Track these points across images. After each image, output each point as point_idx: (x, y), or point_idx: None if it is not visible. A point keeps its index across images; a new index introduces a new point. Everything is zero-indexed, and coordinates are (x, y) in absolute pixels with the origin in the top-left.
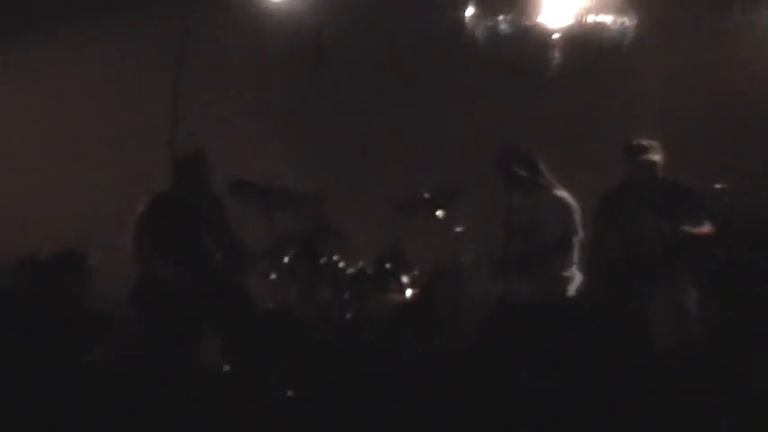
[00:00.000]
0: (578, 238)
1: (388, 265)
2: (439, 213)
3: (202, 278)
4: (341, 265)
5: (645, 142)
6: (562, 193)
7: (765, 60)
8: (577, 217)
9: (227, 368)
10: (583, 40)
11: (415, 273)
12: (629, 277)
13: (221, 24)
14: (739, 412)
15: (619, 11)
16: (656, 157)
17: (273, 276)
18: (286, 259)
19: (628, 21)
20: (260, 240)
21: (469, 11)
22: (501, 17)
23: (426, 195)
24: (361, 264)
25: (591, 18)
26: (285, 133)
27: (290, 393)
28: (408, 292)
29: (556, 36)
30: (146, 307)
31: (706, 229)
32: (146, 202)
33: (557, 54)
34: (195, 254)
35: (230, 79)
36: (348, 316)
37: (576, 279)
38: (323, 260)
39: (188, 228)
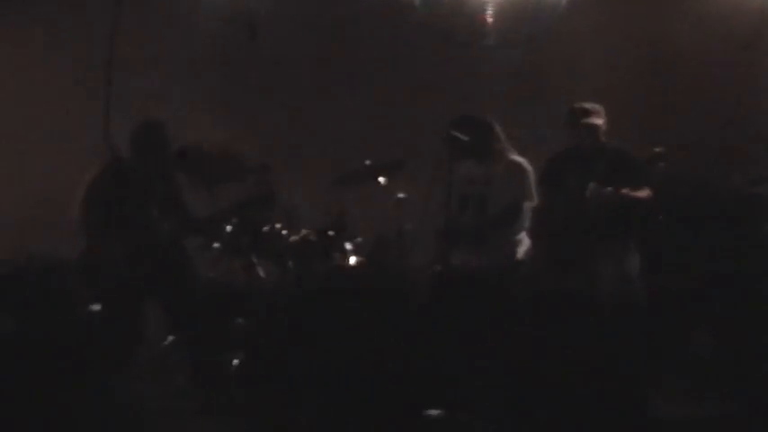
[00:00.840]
0: (531, 203)
1: (331, 233)
2: (381, 180)
3: (146, 248)
4: (284, 233)
5: (588, 106)
6: (518, 158)
7: (706, 21)
8: (532, 182)
9: (171, 338)
10: (520, 5)
11: (359, 240)
12: (572, 242)
13: None
14: (679, 376)
15: None
16: (599, 120)
17: (216, 245)
18: (228, 228)
19: None
20: (202, 210)
21: None
22: None
23: (369, 163)
24: (304, 232)
25: None
26: (226, 105)
27: (234, 362)
28: (352, 260)
29: (492, 2)
30: (90, 278)
31: (646, 192)
32: (97, 171)
33: (495, 20)
34: (141, 223)
35: (167, 52)
36: (291, 284)
37: (524, 244)
38: (265, 229)
39: (137, 197)
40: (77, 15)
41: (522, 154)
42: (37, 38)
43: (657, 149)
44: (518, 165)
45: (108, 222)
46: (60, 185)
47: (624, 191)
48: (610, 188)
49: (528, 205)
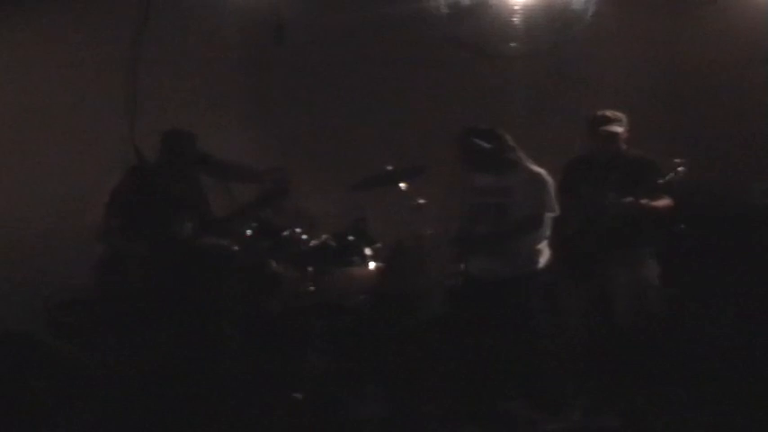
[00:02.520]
0: (553, 214)
1: (351, 238)
2: (402, 186)
3: (171, 249)
4: (303, 237)
5: (608, 113)
6: (537, 168)
7: (730, 32)
8: (553, 193)
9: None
10: (545, 14)
11: (378, 245)
12: (590, 250)
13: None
14: (696, 384)
15: None
16: (619, 128)
17: (236, 248)
18: (248, 232)
19: None
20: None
21: None
22: None
23: (389, 168)
24: (323, 237)
25: None
26: (247, 110)
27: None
28: (371, 265)
29: (517, 10)
30: (112, 284)
31: (665, 202)
32: (122, 175)
33: (519, 29)
34: (166, 225)
35: (189, 57)
36: (311, 288)
37: (545, 253)
38: (285, 233)
39: (161, 200)
40: (104, 18)
41: (543, 162)
42: (62, 40)
43: (677, 160)
44: (538, 175)
45: (133, 225)
46: (83, 189)
47: (644, 200)
48: (630, 198)
49: (549, 216)
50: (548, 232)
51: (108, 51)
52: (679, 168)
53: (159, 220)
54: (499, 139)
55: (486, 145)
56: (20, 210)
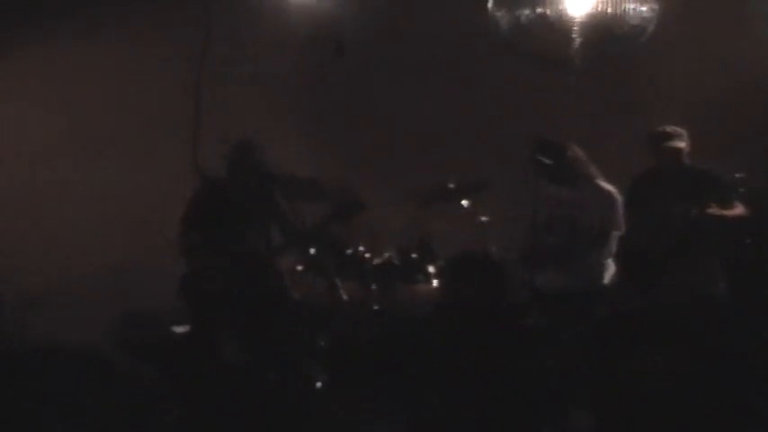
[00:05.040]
0: (619, 233)
1: (414, 256)
2: (464, 203)
3: (246, 264)
4: (367, 255)
5: (670, 129)
6: (607, 185)
7: None
8: (621, 211)
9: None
10: (605, 30)
11: (442, 263)
12: (659, 264)
13: (241, 17)
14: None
15: None
16: (681, 143)
17: (300, 268)
18: (312, 251)
19: (650, 8)
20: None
21: (490, 2)
22: (521, 8)
23: (451, 185)
24: (387, 254)
25: (612, 7)
26: (309, 125)
27: (318, 385)
28: (435, 283)
29: (578, 26)
30: (193, 298)
31: (735, 212)
32: (197, 189)
33: (580, 44)
34: (240, 240)
35: (252, 73)
36: (375, 307)
37: (610, 269)
38: (349, 251)
39: (235, 215)
40: (167, 34)
41: (608, 175)
42: (127, 57)
43: (738, 175)
44: (607, 192)
45: (208, 240)
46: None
47: (711, 210)
48: (696, 207)
49: (616, 234)
50: (614, 248)
51: (173, 67)
52: (740, 181)
53: (237, 233)
54: (567, 152)
55: (547, 161)
56: (94, 229)
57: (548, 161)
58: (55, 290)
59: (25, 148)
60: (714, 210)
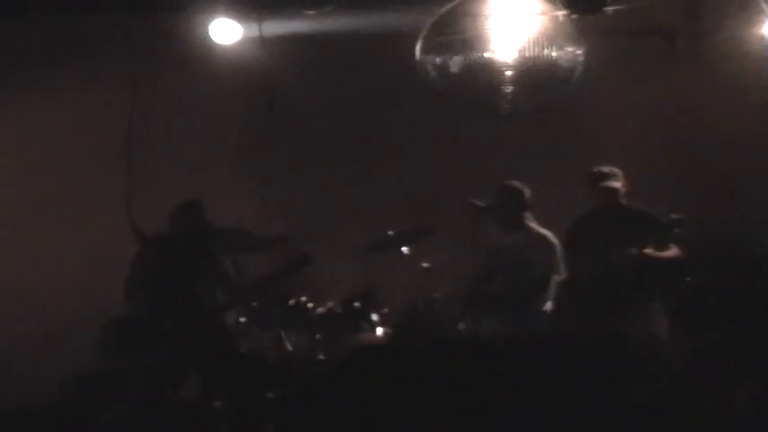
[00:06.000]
0: (560, 277)
1: (357, 304)
2: (404, 250)
3: (193, 321)
4: (309, 305)
5: (606, 169)
6: (543, 230)
7: (721, 82)
8: (560, 256)
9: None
10: (535, 74)
11: (385, 310)
12: (599, 304)
13: (171, 70)
14: None
15: (567, 41)
16: (617, 183)
17: (242, 320)
18: (254, 303)
19: (578, 51)
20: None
21: (417, 51)
22: (449, 55)
23: (391, 233)
24: (330, 304)
25: (540, 51)
26: (246, 178)
27: None
28: (379, 331)
29: (508, 71)
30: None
31: (671, 253)
32: (141, 246)
33: (511, 90)
34: (186, 297)
35: (185, 126)
36: (320, 357)
37: (551, 312)
38: (291, 302)
39: (179, 273)
40: (95, 91)
41: (544, 220)
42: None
43: (674, 215)
44: (544, 238)
45: (152, 298)
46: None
47: (648, 251)
48: (633, 249)
49: (556, 278)
50: (553, 293)
51: (105, 126)
52: (676, 221)
53: (178, 292)
54: (521, 195)
55: (480, 204)
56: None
57: (480, 204)
58: None
59: None
60: (651, 251)
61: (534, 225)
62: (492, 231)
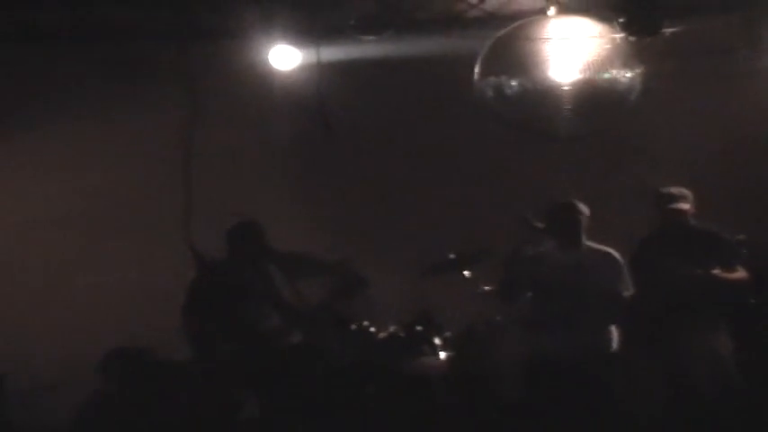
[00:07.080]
0: (628, 293)
1: (419, 328)
2: (466, 273)
3: (251, 347)
4: (371, 330)
5: (674, 191)
6: (608, 248)
7: None
8: (626, 272)
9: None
10: (593, 96)
11: (447, 334)
12: (666, 324)
13: (231, 96)
14: None
15: (625, 63)
16: (686, 205)
17: (300, 342)
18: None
19: (635, 73)
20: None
21: (476, 74)
22: (507, 78)
23: (452, 256)
24: (392, 328)
25: (597, 73)
26: (304, 202)
27: None
28: (442, 354)
29: (565, 93)
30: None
31: (739, 275)
32: (197, 270)
33: (568, 111)
34: (244, 323)
35: (245, 150)
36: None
37: (618, 333)
38: (353, 326)
39: (237, 297)
40: (152, 119)
41: (608, 238)
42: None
43: (740, 236)
44: (609, 254)
45: (211, 325)
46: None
47: (716, 272)
48: (701, 270)
49: (626, 294)
50: (622, 310)
51: (164, 152)
52: (744, 243)
53: (236, 318)
54: (580, 215)
55: (537, 224)
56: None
57: (538, 224)
58: (64, 375)
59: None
60: (718, 273)
61: (593, 243)
62: (549, 250)
